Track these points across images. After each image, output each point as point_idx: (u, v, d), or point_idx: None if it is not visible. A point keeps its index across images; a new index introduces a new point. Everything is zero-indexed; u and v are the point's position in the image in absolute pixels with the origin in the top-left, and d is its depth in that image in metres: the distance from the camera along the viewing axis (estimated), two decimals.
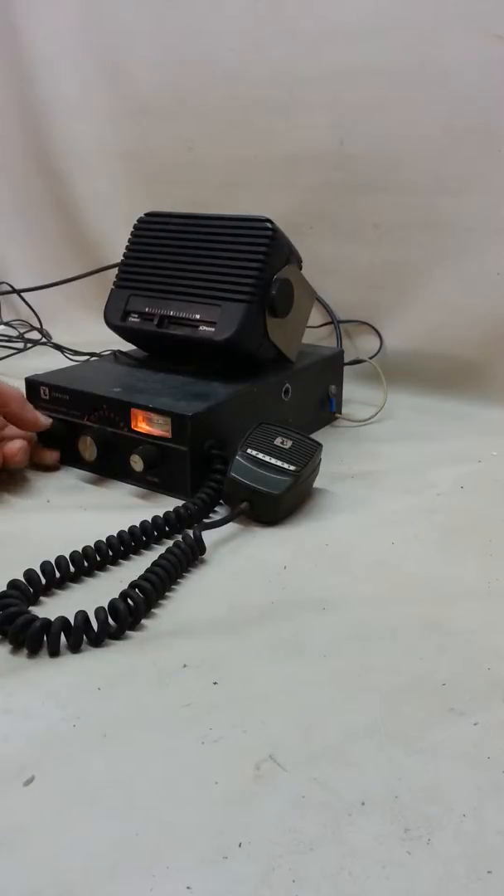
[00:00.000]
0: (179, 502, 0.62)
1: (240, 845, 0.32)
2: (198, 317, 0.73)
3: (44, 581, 0.51)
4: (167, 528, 0.59)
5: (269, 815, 0.34)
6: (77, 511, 0.63)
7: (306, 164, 0.99)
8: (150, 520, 0.58)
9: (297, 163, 1.00)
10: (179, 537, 0.56)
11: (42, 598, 0.51)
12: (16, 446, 0.66)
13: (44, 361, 0.99)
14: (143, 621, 0.48)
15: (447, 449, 0.79)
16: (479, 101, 0.87)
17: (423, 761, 0.37)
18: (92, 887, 0.31)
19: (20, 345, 1.12)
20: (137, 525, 0.57)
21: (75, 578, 0.53)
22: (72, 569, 0.53)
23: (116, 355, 0.83)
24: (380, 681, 0.43)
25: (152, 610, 0.50)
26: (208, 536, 0.57)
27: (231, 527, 0.61)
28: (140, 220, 0.81)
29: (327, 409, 0.86)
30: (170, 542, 0.56)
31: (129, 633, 0.47)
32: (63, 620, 0.45)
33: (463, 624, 0.48)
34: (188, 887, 0.31)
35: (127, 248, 0.81)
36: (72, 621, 0.45)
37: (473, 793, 0.35)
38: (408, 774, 0.36)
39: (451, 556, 0.57)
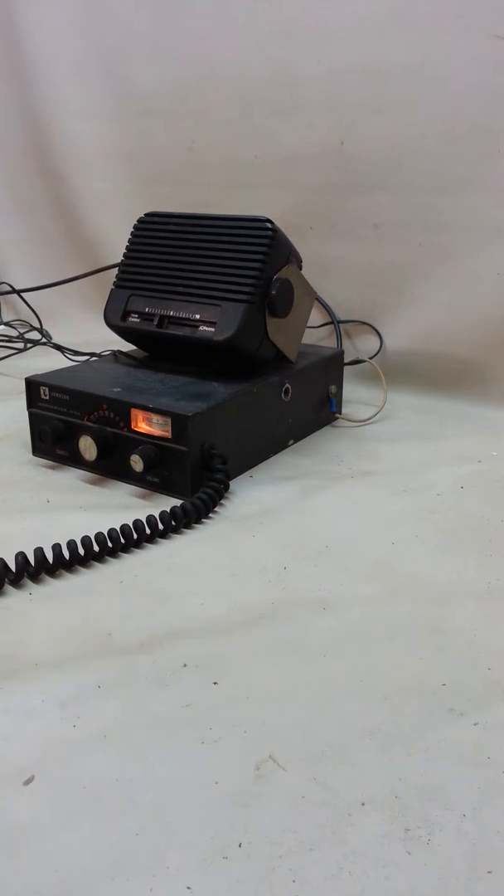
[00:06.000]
0: (179, 502, 0.62)
1: (240, 845, 0.32)
2: (198, 317, 0.73)
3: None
4: (162, 527, 0.59)
5: (269, 815, 0.34)
6: (77, 511, 0.63)
7: (306, 164, 0.99)
8: (143, 519, 0.58)
9: (297, 163, 1.00)
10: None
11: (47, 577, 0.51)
12: None
13: (44, 361, 0.99)
14: (143, 621, 0.48)
15: (447, 449, 0.79)
16: (479, 101, 0.87)
17: (423, 761, 0.37)
18: (92, 887, 0.31)
19: (20, 345, 1.12)
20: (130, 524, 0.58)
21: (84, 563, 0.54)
22: (81, 551, 0.54)
23: (116, 355, 0.83)
24: (380, 681, 0.43)
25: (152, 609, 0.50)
26: (208, 538, 0.57)
27: (231, 527, 0.61)
28: (140, 221, 0.81)
29: (327, 409, 0.86)
30: (169, 541, 0.56)
31: (129, 632, 0.47)
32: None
33: (463, 624, 0.48)
34: (188, 887, 0.31)
35: (127, 248, 0.81)
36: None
37: (473, 793, 0.35)
38: (408, 774, 0.36)
39: (451, 556, 0.57)
